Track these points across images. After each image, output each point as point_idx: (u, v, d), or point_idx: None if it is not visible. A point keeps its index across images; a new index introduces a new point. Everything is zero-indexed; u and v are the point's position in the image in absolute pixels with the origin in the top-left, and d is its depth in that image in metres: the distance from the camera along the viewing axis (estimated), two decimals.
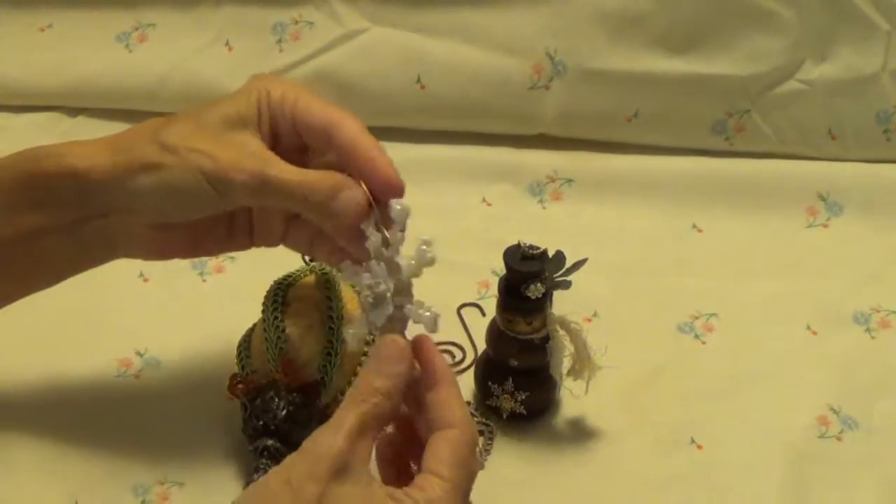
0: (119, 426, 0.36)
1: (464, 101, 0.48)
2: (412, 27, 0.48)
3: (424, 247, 0.28)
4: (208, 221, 0.32)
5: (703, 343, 0.40)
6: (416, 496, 0.25)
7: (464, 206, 0.46)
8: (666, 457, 0.36)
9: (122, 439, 0.35)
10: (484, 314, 0.41)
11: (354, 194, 0.29)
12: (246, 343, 0.36)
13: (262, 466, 0.33)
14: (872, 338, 0.41)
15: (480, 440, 0.36)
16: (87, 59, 0.50)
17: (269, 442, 0.33)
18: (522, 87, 0.47)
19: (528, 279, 0.34)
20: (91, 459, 0.35)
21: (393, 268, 0.28)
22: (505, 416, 0.36)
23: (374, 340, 0.28)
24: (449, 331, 0.30)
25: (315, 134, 0.30)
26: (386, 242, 0.28)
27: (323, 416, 0.34)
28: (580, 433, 0.37)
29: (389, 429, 0.28)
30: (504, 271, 0.35)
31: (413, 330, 0.28)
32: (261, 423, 0.33)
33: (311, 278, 0.36)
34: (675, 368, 0.39)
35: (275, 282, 0.36)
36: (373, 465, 0.27)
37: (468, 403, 0.38)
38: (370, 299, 0.28)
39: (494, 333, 0.36)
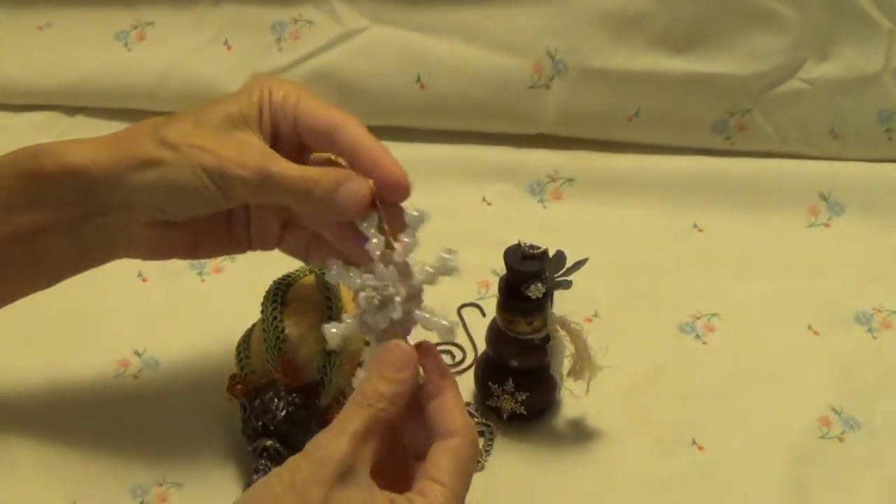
0: (117, 427, 0.36)
1: (464, 100, 0.47)
2: (412, 26, 0.48)
3: (447, 255, 0.28)
4: (207, 222, 0.32)
5: (704, 343, 0.40)
6: (418, 503, 0.25)
7: (464, 205, 0.46)
8: (667, 457, 0.36)
9: (120, 440, 0.35)
10: (484, 314, 0.41)
11: (358, 185, 0.29)
12: (245, 343, 0.36)
13: (261, 467, 0.33)
14: (874, 338, 0.41)
15: (480, 441, 0.36)
16: (86, 57, 0.49)
17: (269, 442, 0.33)
18: (523, 86, 0.47)
19: (528, 279, 0.34)
20: (89, 460, 0.35)
21: (404, 272, 0.28)
22: (505, 417, 0.36)
23: (367, 343, 0.28)
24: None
25: (316, 136, 0.30)
26: (389, 245, 0.28)
27: (322, 416, 0.34)
28: (581, 434, 0.36)
29: None
30: (504, 271, 0.35)
31: (415, 335, 0.28)
32: (260, 423, 0.33)
33: (310, 278, 0.36)
34: (676, 369, 0.39)
35: (274, 282, 0.36)
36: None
37: (468, 404, 0.38)
38: (376, 301, 0.27)
39: (495, 333, 0.36)
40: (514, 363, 0.36)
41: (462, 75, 0.47)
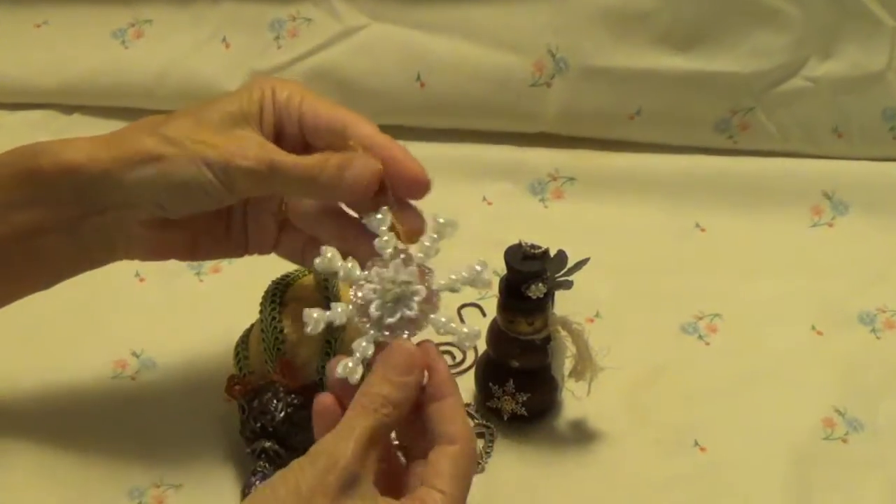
0: (115, 428, 0.36)
1: (464, 98, 0.47)
2: (412, 24, 0.47)
3: (479, 267, 0.28)
4: (206, 222, 0.31)
5: (707, 343, 0.40)
6: None
7: (464, 205, 0.46)
8: (669, 458, 0.36)
9: (117, 441, 0.35)
10: (484, 314, 0.41)
11: (365, 163, 0.28)
12: (244, 344, 0.36)
13: (259, 469, 0.33)
14: (878, 338, 0.40)
15: (481, 442, 0.36)
16: (83, 56, 0.49)
17: (268, 444, 0.33)
18: (523, 84, 0.47)
19: (529, 279, 0.33)
20: (86, 462, 0.35)
21: (424, 273, 0.27)
22: (506, 418, 0.36)
23: (377, 341, 0.28)
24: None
25: (323, 135, 0.30)
26: (399, 242, 0.28)
27: None
28: (582, 435, 0.36)
29: None
30: (505, 271, 0.34)
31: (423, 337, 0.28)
32: (259, 424, 0.33)
33: (309, 278, 0.36)
34: (678, 369, 0.39)
35: (273, 282, 0.36)
36: None
37: (468, 405, 0.37)
38: (392, 294, 0.27)
39: (495, 334, 0.36)
40: (515, 364, 0.35)
41: (462, 73, 0.47)
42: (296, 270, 0.36)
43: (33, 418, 0.36)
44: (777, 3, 0.45)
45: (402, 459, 0.28)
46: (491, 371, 0.36)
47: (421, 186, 0.29)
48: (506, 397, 0.36)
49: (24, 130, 0.48)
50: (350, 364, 0.27)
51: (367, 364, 0.27)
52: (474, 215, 0.46)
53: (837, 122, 0.47)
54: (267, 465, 0.33)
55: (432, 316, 0.27)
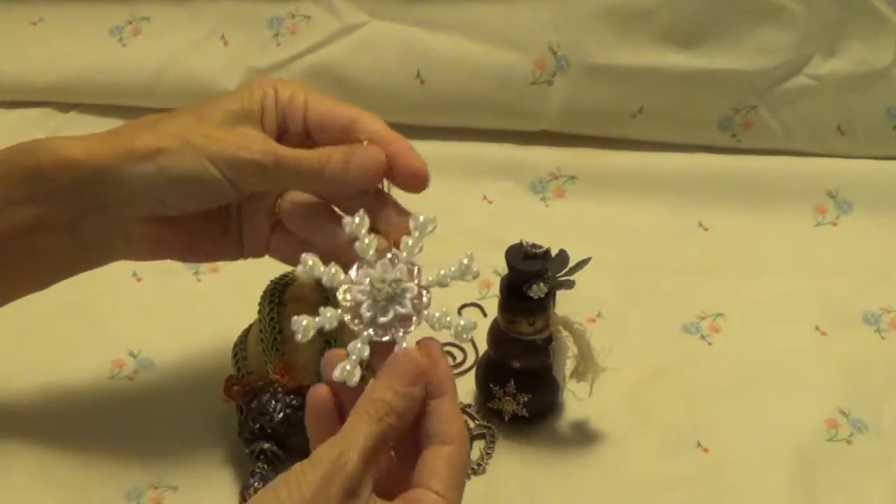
0: (112, 429, 0.36)
1: (464, 96, 0.47)
2: (412, 21, 0.47)
3: (466, 260, 0.28)
4: (205, 220, 0.31)
5: (710, 344, 0.40)
6: None
7: (465, 203, 0.46)
8: (671, 459, 0.35)
9: (115, 442, 0.35)
10: (485, 315, 0.41)
11: (372, 152, 0.29)
12: (242, 344, 0.36)
13: (258, 470, 0.32)
14: (882, 338, 0.40)
15: (482, 444, 0.36)
16: (80, 53, 0.49)
17: (266, 445, 0.33)
18: (524, 82, 0.47)
19: (530, 279, 0.33)
20: (83, 463, 0.34)
21: (412, 271, 0.27)
22: (507, 419, 0.36)
23: (368, 340, 0.27)
24: (448, 335, 0.29)
25: (330, 132, 0.30)
26: (386, 244, 0.28)
27: None
28: (584, 436, 0.36)
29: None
30: (506, 271, 0.34)
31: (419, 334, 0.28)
32: (257, 425, 0.33)
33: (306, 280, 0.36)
34: (681, 370, 0.39)
35: (271, 281, 0.35)
36: None
37: (469, 406, 0.37)
38: (383, 293, 0.27)
39: (496, 334, 0.36)
40: (516, 364, 0.35)
41: (463, 71, 0.47)
42: (294, 270, 0.36)
43: (30, 419, 0.36)
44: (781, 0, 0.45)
45: (392, 453, 0.28)
46: (492, 372, 0.36)
47: (421, 181, 0.29)
48: (507, 398, 0.36)
49: (20, 128, 0.48)
50: (348, 367, 0.27)
51: (365, 365, 0.27)
52: (475, 214, 0.46)
53: (841, 121, 0.47)
54: (265, 467, 0.32)
55: (426, 311, 0.27)
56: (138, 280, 0.41)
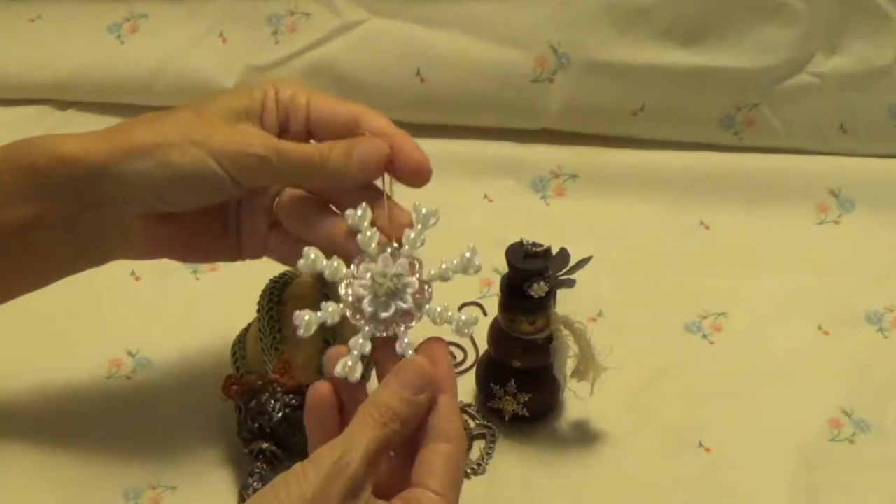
0: (110, 428, 0.36)
1: (465, 94, 0.47)
2: (412, 18, 0.47)
3: (469, 254, 0.27)
4: (204, 218, 0.31)
5: (711, 343, 0.40)
6: None
7: (465, 202, 0.45)
8: (673, 460, 0.35)
9: (113, 442, 0.35)
10: (486, 313, 0.40)
11: (374, 143, 0.29)
12: (241, 343, 0.35)
13: (257, 470, 0.32)
14: (885, 337, 0.40)
15: (482, 443, 0.36)
16: (78, 51, 0.49)
17: (265, 445, 0.32)
18: (525, 80, 0.46)
19: (531, 278, 0.33)
20: (81, 463, 0.34)
21: (414, 265, 0.27)
22: (507, 419, 0.36)
23: (372, 335, 0.27)
24: (449, 331, 0.29)
25: (334, 129, 0.30)
26: (387, 239, 0.28)
27: None
28: (584, 436, 0.36)
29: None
30: (506, 269, 0.34)
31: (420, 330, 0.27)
32: (256, 425, 0.33)
33: (307, 277, 0.35)
34: (682, 369, 0.39)
35: (270, 280, 0.35)
36: None
37: (469, 405, 0.37)
38: (384, 288, 0.27)
39: (496, 333, 0.35)
40: (517, 364, 0.35)
41: (463, 69, 0.47)
42: (297, 263, 0.36)
43: (28, 418, 0.35)
44: None
45: (391, 453, 0.28)
46: (492, 371, 0.36)
47: (423, 175, 0.29)
48: (507, 398, 0.35)
49: (17, 126, 0.48)
50: (349, 363, 0.27)
51: (367, 361, 0.27)
52: (475, 212, 0.45)
53: (843, 119, 0.46)
54: (264, 467, 0.32)
55: (427, 306, 0.27)
56: (136, 279, 0.41)
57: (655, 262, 0.43)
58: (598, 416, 0.36)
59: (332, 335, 0.34)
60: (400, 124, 0.32)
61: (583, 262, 0.34)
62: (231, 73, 0.48)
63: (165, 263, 0.33)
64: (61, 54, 0.49)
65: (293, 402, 0.33)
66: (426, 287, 0.27)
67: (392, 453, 0.27)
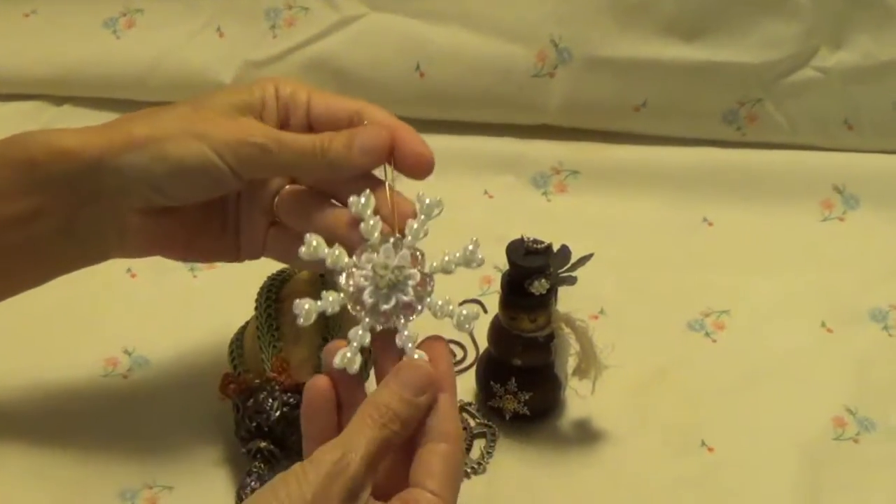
0: (106, 428, 0.35)
1: (465, 89, 0.47)
2: (411, 13, 0.47)
3: (471, 247, 0.27)
4: (203, 215, 0.31)
5: (714, 341, 0.40)
6: None
7: (465, 198, 0.45)
8: (675, 459, 0.35)
9: (109, 441, 0.35)
10: (486, 311, 0.40)
11: (375, 131, 0.29)
12: (238, 341, 0.35)
13: (255, 469, 0.32)
14: (890, 335, 0.40)
15: (482, 442, 0.36)
16: (73, 46, 0.49)
17: (263, 444, 0.32)
18: (526, 75, 0.46)
19: (531, 275, 0.33)
20: (77, 462, 0.34)
21: (416, 257, 0.27)
22: (508, 417, 0.36)
23: (371, 328, 0.27)
24: (449, 328, 0.29)
25: (333, 124, 0.29)
26: (389, 229, 0.27)
27: None
28: (586, 435, 0.36)
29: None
30: (507, 267, 0.34)
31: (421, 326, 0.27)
32: (254, 424, 0.32)
33: (305, 274, 0.35)
34: (685, 367, 0.38)
35: (268, 277, 0.35)
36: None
37: (469, 404, 0.37)
38: (386, 280, 0.26)
39: (497, 331, 0.35)
40: (517, 362, 0.35)
41: (463, 64, 0.46)
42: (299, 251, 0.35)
43: (24, 417, 0.35)
44: None
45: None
46: (492, 369, 0.36)
47: (426, 167, 0.29)
48: (508, 396, 0.35)
49: (13, 121, 0.47)
50: (348, 354, 0.26)
51: (365, 357, 0.27)
52: (475, 209, 0.45)
53: (848, 114, 0.46)
54: (262, 466, 0.32)
55: (428, 299, 0.27)
56: (133, 276, 0.41)
57: (658, 260, 0.43)
58: (600, 414, 0.36)
59: (330, 333, 0.34)
60: (399, 120, 0.32)
61: (584, 260, 0.33)
62: (228, 67, 0.48)
63: (162, 260, 0.33)
64: (57, 49, 0.49)
65: (291, 400, 0.32)
66: (428, 280, 0.27)
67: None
